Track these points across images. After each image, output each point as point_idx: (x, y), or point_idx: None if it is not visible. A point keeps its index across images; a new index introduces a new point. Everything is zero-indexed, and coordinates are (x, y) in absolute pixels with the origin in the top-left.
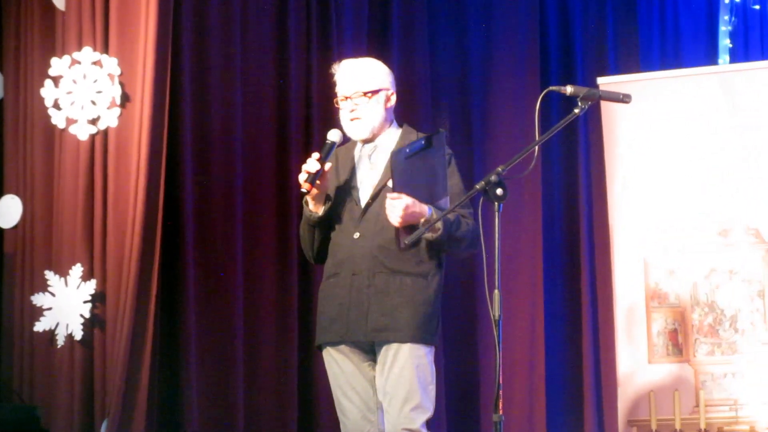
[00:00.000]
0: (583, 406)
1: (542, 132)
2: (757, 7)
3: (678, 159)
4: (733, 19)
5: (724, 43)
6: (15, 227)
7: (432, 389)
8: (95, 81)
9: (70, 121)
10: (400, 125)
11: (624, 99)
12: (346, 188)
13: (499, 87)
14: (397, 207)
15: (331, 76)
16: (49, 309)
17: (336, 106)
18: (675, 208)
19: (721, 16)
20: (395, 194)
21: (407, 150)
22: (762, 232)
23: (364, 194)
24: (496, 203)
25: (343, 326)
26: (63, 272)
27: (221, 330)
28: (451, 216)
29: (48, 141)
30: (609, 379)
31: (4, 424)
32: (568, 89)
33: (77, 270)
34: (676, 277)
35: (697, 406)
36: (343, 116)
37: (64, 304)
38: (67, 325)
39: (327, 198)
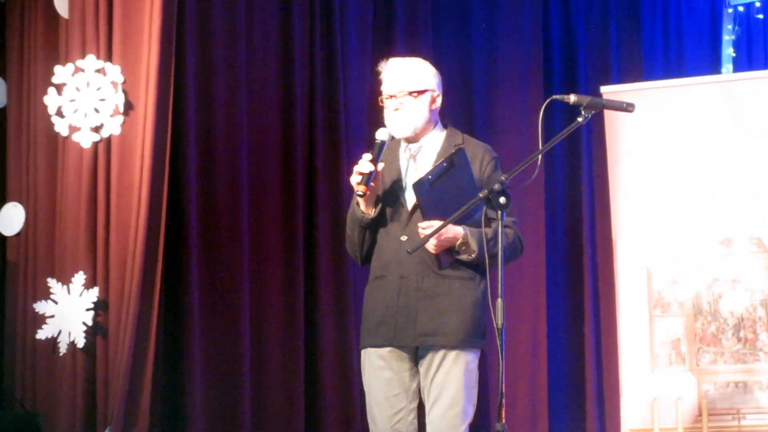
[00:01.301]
0: (586, 415)
1: (545, 141)
2: (761, 16)
3: (681, 168)
4: (736, 28)
5: (728, 52)
6: (18, 235)
7: (474, 394)
8: (98, 89)
9: (73, 129)
10: (445, 126)
11: (627, 108)
12: (392, 190)
13: (503, 95)
14: (427, 234)
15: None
16: (52, 317)
17: (380, 104)
18: (678, 216)
19: (724, 25)
20: (426, 223)
21: (429, 177)
22: (764, 241)
23: (410, 196)
24: (499, 212)
25: (390, 330)
26: (65, 280)
27: (226, 337)
28: (489, 231)
29: (51, 149)
30: (611, 387)
31: None
32: (572, 98)
33: (80, 278)
34: (679, 286)
35: (700, 415)
36: (387, 114)
37: (67, 311)
38: (70, 333)
39: (377, 199)
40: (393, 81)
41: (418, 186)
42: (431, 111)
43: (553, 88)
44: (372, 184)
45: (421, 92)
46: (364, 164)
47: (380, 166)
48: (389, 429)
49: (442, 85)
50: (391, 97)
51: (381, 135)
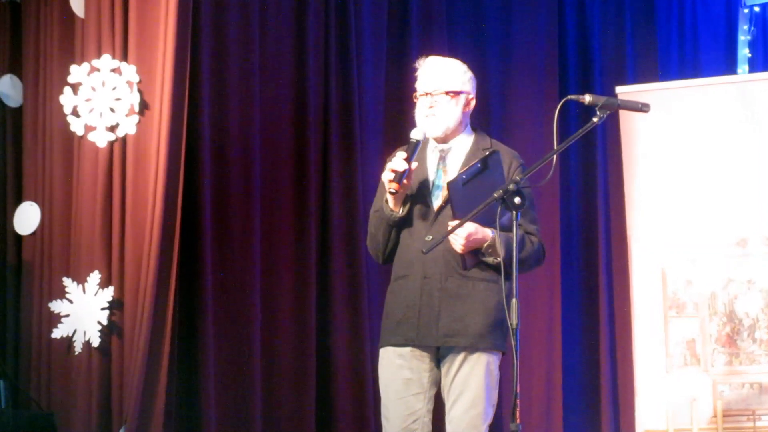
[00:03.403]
0: (600, 416)
1: (560, 141)
2: None
3: (696, 168)
4: (752, 28)
5: (743, 52)
6: (33, 234)
7: (495, 395)
8: (114, 88)
9: (88, 129)
10: (474, 130)
11: (642, 108)
12: (419, 189)
13: (518, 95)
14: (460, 235)
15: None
16: (67, 316)
17: (414, 100)
18: (693, 217)
19: (740, 25)
20: (457, 222)
21: (464, 176)
22: None
23: (437, 197)
24: (514, 212)
25: (412, 329)
26: (81, 279)
27: (239, 337)
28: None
29: (66, 148)
30: (626, 388)
31: (22, 431)
32: (587, 98)
33: (95, 277)
34: (694, 287)
35: (715, 416)
36: (419, 112)
37: (82, 311)
38: (85, 332)
39: (407, 198)
40: (430, 79)
41: (452, 185)
42: (464, 113)
43: (569, 88)
44: (405, 181)
45: (457, 93)
46: (399, 162)
47: (414, 164)
48: (403, 429)
49: (476, 88)
50: (426, 94)
51: (416, 134)
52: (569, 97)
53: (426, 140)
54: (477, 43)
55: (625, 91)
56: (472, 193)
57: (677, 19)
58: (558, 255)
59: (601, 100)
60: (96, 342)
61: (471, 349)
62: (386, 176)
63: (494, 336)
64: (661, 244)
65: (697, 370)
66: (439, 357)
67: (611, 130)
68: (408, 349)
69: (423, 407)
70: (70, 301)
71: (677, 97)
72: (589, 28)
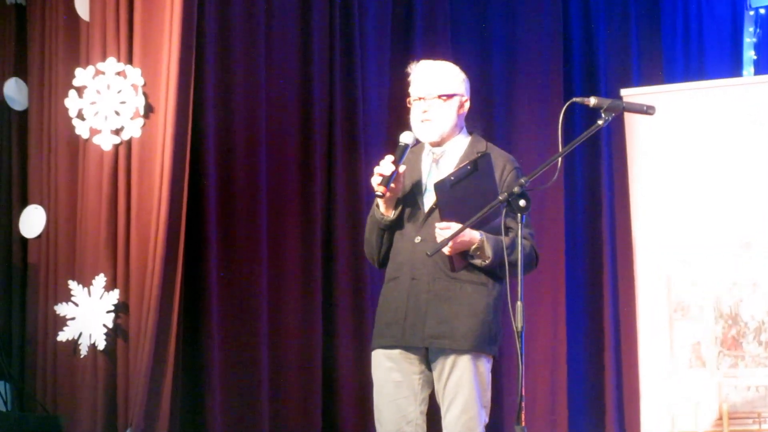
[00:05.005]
0: (605, 418)
1: (565, 143)
2: None
3: (701, 171)
4: (757, 30)
5: (749, 54)
6: (39, 237)
7: (487, 397)
8: (119, 91)
9: (93, 132)
10: (470, 133)
11: (647, 111)
12: (411, 192)
13: (523, 98)
14: (447, 236)
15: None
16: (73, 319)
17: (408, 105)
18: (698, 220)
19: (745, 27)
20: (444, 223)
21: (452, 178)
22: None
23: (429, 199)
24: (519, 214)
25: (399, 330)
26: (86, 282)
27: (245, 339)
28: (506, 240)
29: (72, 151)
30: (631, 391)
31: None
32: (592, 101)
33: (100, 280)
34: (699, 290)
35: (720, 419)
36: (414, 117)
37: (88, 314)
38: (90, 335)
39: (398, 201)
40: (423, 84)
41: (439, 186)
42: (458, 116)
43: (573, 90)
44: (392, 185)
45: (450, 96)
46: (386, 166)
47: (402, 168)
48: (394, 431)
49: (469, 90)
50: (420, 99)
51: (405, 138)
52: (574, 99)
53: (421, 145)
54: (481, 46)
55: (630, 94)
56: (461, 195)
57: (682, 21)
58: (562, 257)
59: (606, 102)
60: (101, 345)
61: (459, 352)
62: (374, 180)
63: (482, 339)
64: (665, 246)
65: (702, 373)
66: (429, 359)
67: (616, 133)
68: (397, 351)
69: (415, 409)
70: (76, 304)
71: (682, 100)
72: (594, 30)
